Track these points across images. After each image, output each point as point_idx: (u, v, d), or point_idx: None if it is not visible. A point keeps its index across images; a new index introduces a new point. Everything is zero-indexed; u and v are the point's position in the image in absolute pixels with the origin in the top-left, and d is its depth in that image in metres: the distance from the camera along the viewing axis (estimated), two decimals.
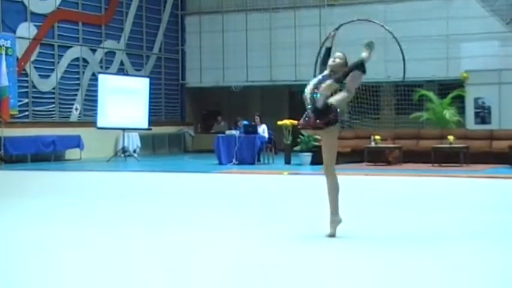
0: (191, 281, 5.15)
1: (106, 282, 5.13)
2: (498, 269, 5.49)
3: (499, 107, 21.69)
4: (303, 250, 6.32)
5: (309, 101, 7.09)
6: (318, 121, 6.97)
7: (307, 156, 18.23)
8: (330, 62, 7.31)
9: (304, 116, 7.12)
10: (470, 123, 21.78)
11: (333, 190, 7.13)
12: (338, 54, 7.46)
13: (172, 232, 7.38)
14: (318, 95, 7.04)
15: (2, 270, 5.51)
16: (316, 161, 18.03)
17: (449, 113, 20.63)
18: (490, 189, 12.33)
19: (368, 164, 17.68)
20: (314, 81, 7.23)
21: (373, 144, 18.14)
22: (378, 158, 17.86)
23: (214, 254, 6.10)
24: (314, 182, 14.09)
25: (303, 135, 18.56)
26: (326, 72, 7.25)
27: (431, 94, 21.80)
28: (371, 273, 5.31)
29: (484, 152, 17.59)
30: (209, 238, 6.97)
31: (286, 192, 12.09)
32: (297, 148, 18.49)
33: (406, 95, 22.61)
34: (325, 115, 6.97)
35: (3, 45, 19.53)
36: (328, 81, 7.06)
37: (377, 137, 18.24)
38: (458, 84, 22.02)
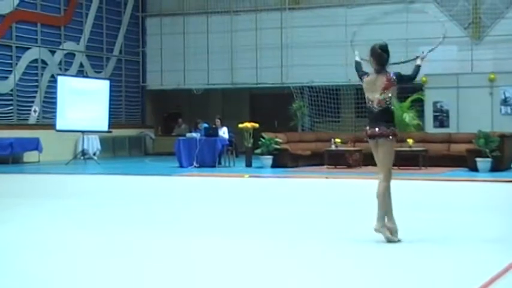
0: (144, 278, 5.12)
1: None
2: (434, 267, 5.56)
3: (457, 111, 22.00)
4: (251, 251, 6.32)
5: (381, 106, 7.03)
6: (392, 129, 7.06)
7: (268, 159, 18.24)
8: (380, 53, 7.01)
9: (372, 124, 7.08)
10: (429, 127, 22.04)
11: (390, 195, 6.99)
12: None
13: (129, 234, 7.31)
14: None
15: None
16: (277, 164, 18.10)
17: (408, 117, 20.81)
18: (448, 192, 12.48)
19: (328, 166, 17.75)
20: (376, 84, 7.05)
21: (333, 147, 18.22)
22: (338, 160, 17.94)
23: (166, 255, 6.07)
24: (275, 185, 14.15)
25: (263, 138, 18.59)
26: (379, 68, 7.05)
27: None
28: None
29: (442, 155, 17.78)
30: (162, 240, 6.93)
31: (246, 195, 12.07)
32: (258, 151, 18.48)
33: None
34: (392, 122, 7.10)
35: None
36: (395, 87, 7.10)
37: (337, 140, 18.32)
38: (417, 88, 22.25)
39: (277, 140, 18.57)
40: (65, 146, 22.44)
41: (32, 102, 22.38)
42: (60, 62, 23.46)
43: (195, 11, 26.17)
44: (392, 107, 6.99)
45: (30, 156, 21.38)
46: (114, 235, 7.38)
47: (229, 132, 19.70)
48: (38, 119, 22.51)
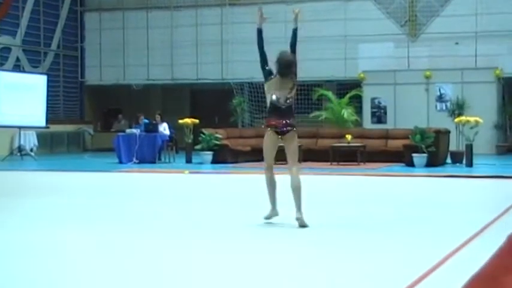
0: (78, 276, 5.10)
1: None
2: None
3: (394, 107, 22.41)
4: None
5: (284, 106, 7.72)
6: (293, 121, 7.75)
7: (208, 155, 18.27)
8: (287, 65, 7.70)
9: (281, 120, 7.69)
10: (367, 123, 22.40)
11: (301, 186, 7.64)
12: (290, 53, 7.85)
13: (65, 230, 7.26)
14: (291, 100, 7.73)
15: None
16: (217, 159, 18.14)
17: (347, 113, 21.10)
18: (384, 186, 12.73)
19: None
20: (279, 84, 7.75)
21: None
22: (277, 156, 18.01)
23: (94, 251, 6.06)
24: (215, 181, 14.19)
25: (204, 133, 18.60)
26: (280, 73, 7.74)
27: (330, 93, 22.24)
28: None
29: (380, 151, 18.09)
30: (95, 236, 6.91)
31: (186, 191, 12.07)
32: (198, 147, 18.49)
33: (306, 94, 22.97)
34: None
35: None
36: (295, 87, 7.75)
37: None
38: (356, 84, 22.57)
39: (217, 135, 18.61)
40: (1, 141, 22.02)
41: None
42: None
43: (135, 6, 25.98)
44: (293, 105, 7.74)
45: None
46: (51, 232, 7.30)
47: (169, 128, 19.64)
48: None
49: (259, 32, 8.20)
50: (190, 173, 15.59)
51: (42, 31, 25.08)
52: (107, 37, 26.21)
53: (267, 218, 7.71)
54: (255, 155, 18.58)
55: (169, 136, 19.32)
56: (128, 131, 19.44)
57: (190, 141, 18.91)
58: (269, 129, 7.76)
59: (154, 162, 18.24)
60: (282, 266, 5.51)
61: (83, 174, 15.69)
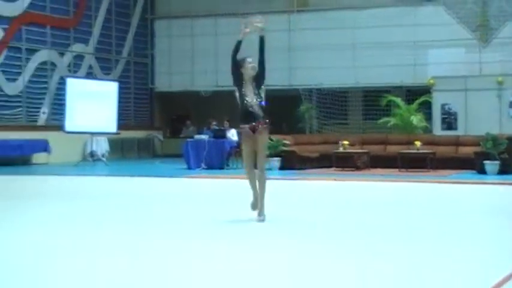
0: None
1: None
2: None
3: (465, 113, 21.98)
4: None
5: (257, 107, 8.33)
6: (266, 121, 8.35)
7: (276, 161, 18.29)
8: (251, 67, 8.45)
9: (252, 121, 8.33)
10: (437, 129, 22.04)
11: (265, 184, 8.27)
12: (252, 59, 8.54)
13: (134, 234, 7.37)
14: (263, 102, 8.37)
15: None
16: (285, 165, 18.14)
17: (416, 119, 20.83)
18: (455, 194, 12.50)
19: (336, 169, 17.78)
20: (250, 89, 8.40)
21: (341, 149, 18.24)
22: (346, 163, 17.98)
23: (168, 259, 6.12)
24: (283, 187, 14.18)
25: (271, 140, 18.63)
26: (248, 78, 8.40)
27: (398, 100, 22.00)
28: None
29: (450, 158, 17.79)
30: (164, 241, 6.99)
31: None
32: (266, 153, 18.50)
33: (374, 100, 22.81)
34: (267, 116, 8.42)
35: None
36: (263, 87, 8.45)
37: (345, 142, 18.35)
38: (425, 90, 22.26)
39: (284, 142, 18.62)
40: (74, 147, 22.53)
41: (41, 104, 22.49)
42: (69, 64, 23.57)
43: (204, 13, 26.22)
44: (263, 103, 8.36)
45: (39, 157, 21.48)
46: (121, 235, 7.43)
47: (237, 134, 19.73)
48: (46, 120, 22.61)
49: (239, 43, 8.82)
50: None
51: (114, 39, 25.58)
52: (176, 44, 26.54)
53: (253, 205, 8.39)
54: (323, 161, 18.58)
55: (237, 142, 19.41)
56: (197, 137, 19.63)
57: None
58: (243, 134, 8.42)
59: (222, 168, 18.36)
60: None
61: (153, 179, 15.91)
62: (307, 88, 24.52)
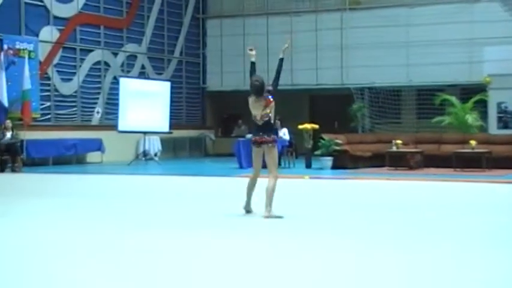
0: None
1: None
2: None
3: None
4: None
5: (264, 120, 8.82)
6: (272, 140, 8.87)
7: (328, 161, 18.18)
8: (265, 85, 8.91)
9: (259, 133, 8.83)
10: (493, 128, 21.60)
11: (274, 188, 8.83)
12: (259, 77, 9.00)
13: (191, 235, 7.37)
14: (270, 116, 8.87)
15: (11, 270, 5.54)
16: (337, 165, 18.01)
17: (471, 118, 20.48)
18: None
19: (389, 168, 17.57)
20: (255, 105, 8.87)
21: (394, 148, 18.03)
22: (399, 162, 17.75)
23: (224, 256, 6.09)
24: (335, 186, 14.07)
25: (323, 139, 18.53)
26: (258, 95, 8.84)
27: (453, 98, 21.65)
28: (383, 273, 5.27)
29: (506, 157, 17.41)
30: (221, 241, 6.96)
31: (307, 196, 12.03)
32: (318, 152, 18.43)
33: (428, 99, 22.48)
34: (274, 132, 9.10)
35: (26, 48, 19.68)
36: (272, 104, 8.89)
37: (398, 142, 18.12)
38: (480, 88, 21.85)
39: (337, 141, 18.49)
40: (127, 146, 22.77)
41: (95, 103, 22.78)
42: (123, 63, 23.82)
43: (255, 12, 26.23)
44: (272, 121, 8.92)
45: (93, 156, 21.77)
46: (171, 235, 7.43)
47: (289, 133, 19.68)
48: (100, 120, 22.89)
49: (253, 64, 9.43)
50: (310, 178, 15.55)
51: (166, 39, 25.76)
52: (228, 43, 26.58)
53: (245, 208, 9.00)
54: (375, 161, 18.38)
55: (289, 141, 19.35)
56: (248, 136, 19.58)
57: (310, 146, 18.87)
58: (252, 145, 8.93)
59: None
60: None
61: (205, 179, 15.96)
62: (359, 87, 24.31)
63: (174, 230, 7.84)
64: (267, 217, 8.52)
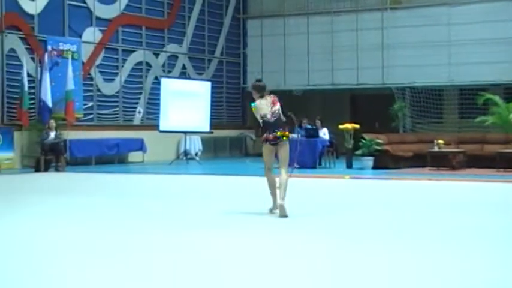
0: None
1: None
2: None
3: None
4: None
5: (274, 119, 9.17)
6: (287, 130, 9.22)
7: (369, 161, 18.08)
8: (260, 89, 9.44)
9: (272, 131, 9.08)
10: None
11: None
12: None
13: (230, 235, 7.41)
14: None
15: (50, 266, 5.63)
16: (378, 165, 17.91)
17: None
18: None
19: (431, 168, 17.42)
20: (267, 103, 9.29)
21: (436, 148, 17.86)
22: (441, 162, 17.58)
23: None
24: (376, 186, 14.00)
25: (364, 139, 18.44)
26: (264, 94, 9.37)
27: (496, 98, 21.33)
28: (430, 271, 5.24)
29: None
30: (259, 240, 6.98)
31: (348, 196, 11.99)
32: (359, 152, 18.34)
33: (471, 98, 22.20)
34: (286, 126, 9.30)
35: (69, 49, 19.95)
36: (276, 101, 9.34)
37: (440, 142, 17.95)
38: None
39: (378, 141, 18.38)
40: (168, 146, 22.95)
41: (137, 103, 22.99)
42: (164, 64, 23.99)
43: (295, 12, 26.19)
44: (282, 117, 9.23)
45: (134, 156, 21.98)
46: (209, 235, 7.48)
47: (329, 133, 19.63)
48: (142, 120, 23.10)
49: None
50: (351, 178, 15.49)
51: (207, 39, 25.88)
52: (268, 43, 26.59)
53: (271, 210, 9.11)
54: (417, 161, 18.22)
55: (329, 141, 19.31)
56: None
57: (350, 146, 18.80)
58: (265, 142, 9.14)
59: (314, 167, 18.29)
60: None
61: (245, 178, 16.00)
62: (401, 86, 24.13)
63: (214, 229, 7.89)
64: (283, 206, 8.69)
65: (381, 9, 24.73)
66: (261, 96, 9.29)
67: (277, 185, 9.04)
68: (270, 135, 9.03)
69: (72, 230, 7.81)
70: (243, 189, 13.66)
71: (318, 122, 19.76)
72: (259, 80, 9.61)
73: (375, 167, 17.92)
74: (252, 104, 9.36)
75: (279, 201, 8.78)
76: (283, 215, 8.61)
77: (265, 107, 9.17)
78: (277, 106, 9.20)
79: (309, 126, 19.81)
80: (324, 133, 19.42)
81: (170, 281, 5.26)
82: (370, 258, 6.09)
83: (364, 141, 18.29)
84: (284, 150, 9.14)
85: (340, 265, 5.80)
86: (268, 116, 9.13)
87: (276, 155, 9.21)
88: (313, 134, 19.03)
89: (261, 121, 9.20)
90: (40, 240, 7.16)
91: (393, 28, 24.39)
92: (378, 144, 18.27)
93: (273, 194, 9.14)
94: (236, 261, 5.97)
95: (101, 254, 6.34)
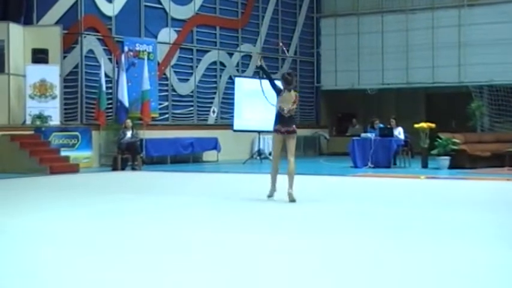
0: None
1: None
2: None
3: None
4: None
5: (288, 115, 10.36)
6: (294, 127, 10.45)
7: (445, 160, 17.78)
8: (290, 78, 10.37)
9: (285, 125, 10.34)
10: None
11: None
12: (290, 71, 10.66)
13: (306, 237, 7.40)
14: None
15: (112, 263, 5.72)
16: (454, 165, 17.58)
17: None
18: None
19: (510, 169, 17.00)
20: (291, 99, 10.40)
21: None
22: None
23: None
24: (452, 186, 13.73)
25: (440, 138, 18.13)
26: (291, 88, 10.41)
27: None
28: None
29: None
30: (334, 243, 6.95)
31: (423, 196, 11.81)
32: (434, 152, 18.06)
33: (508, 99, 21.63)
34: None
35: (145, 50, 20.29)
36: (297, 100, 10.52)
37: None
38: None
39: (454, 140, 18.05)
40: (242, 146, 23.08)
41: (211, 103, 23.21)
42: (238, 63, 24.15)
43: (370, 10, 25.99)
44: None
45: (209, 155, 22.19)
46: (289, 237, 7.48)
47: (404, 132, 19.39)
48: (216, 119, 23.30)
49: (261, 67, 11.81)
50: (426, 178, 15.25)
51: (280, 38, 25.89)
52: (342, 42, 26.47)
53: (269, 195, 10.41)
54: (495, 161, 17.82)
55: (405, 141, 19.07)
56: (363, 135, 19.44)
57: (426, 146, 18.52)
58: (275, 133, 10.35)
59: (389, 167, 18.10)
60: None
61: (320, 178, 15.95)
62: (478, 85, 23.65)
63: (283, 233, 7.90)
64: (290, 194, 9.96)
65: (457, 7, 24.30)
66: (289, 90, 10.22)
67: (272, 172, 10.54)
68: (282, 129, 10.23)
69: (173, 228, 7.93)
70: (320, 188, 13.59)
71: (393, 121, 19.54)
72: (290, 74, 10.46)
73: (451, 166, 17.61)
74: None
75: (287, 189, 9.99)
76: (292, 199, 9.91)
77: (288, 101, 10.20)
78: (295, 106, 10.33)
79: (382, 126, 19.62)
80: (400, 132, 19.19)
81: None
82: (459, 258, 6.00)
83: (440, 141, 17.99)
84: (291, 142, 10.35)
85: (428, 266, 5.74)
86: (285, 111, 10.21)
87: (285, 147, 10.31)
88: (387, 133, 18.84)
89: (276, 111, 10.24)
90: (141, 237, 7.29)
91: (470, 25, 23.92)
92: (454, 143, 17.94)
93: (273, 178, 10.48)
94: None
95: (221, 256, 6.42)
